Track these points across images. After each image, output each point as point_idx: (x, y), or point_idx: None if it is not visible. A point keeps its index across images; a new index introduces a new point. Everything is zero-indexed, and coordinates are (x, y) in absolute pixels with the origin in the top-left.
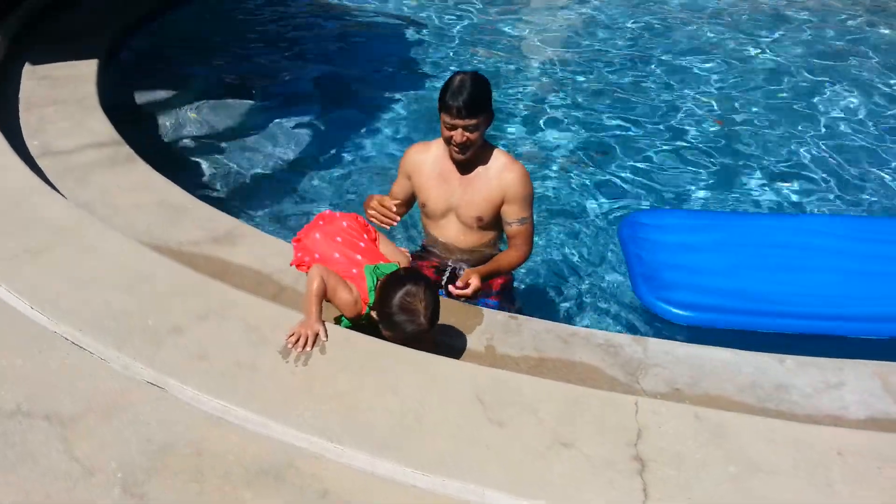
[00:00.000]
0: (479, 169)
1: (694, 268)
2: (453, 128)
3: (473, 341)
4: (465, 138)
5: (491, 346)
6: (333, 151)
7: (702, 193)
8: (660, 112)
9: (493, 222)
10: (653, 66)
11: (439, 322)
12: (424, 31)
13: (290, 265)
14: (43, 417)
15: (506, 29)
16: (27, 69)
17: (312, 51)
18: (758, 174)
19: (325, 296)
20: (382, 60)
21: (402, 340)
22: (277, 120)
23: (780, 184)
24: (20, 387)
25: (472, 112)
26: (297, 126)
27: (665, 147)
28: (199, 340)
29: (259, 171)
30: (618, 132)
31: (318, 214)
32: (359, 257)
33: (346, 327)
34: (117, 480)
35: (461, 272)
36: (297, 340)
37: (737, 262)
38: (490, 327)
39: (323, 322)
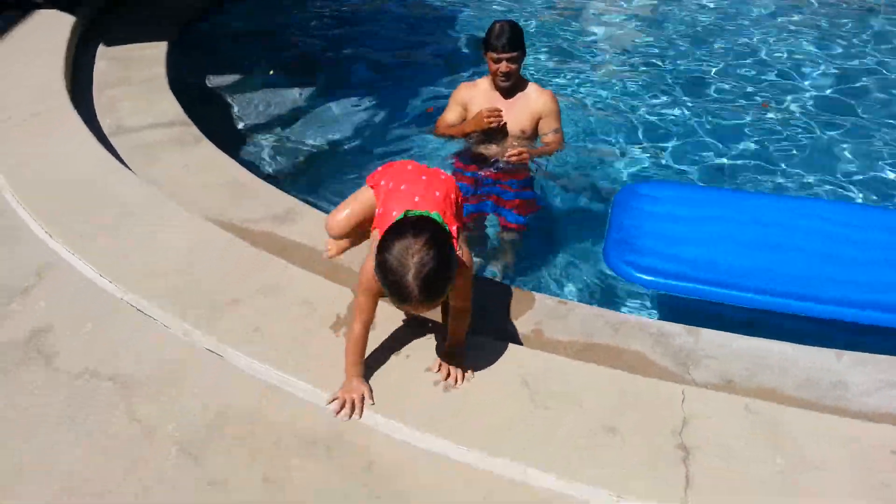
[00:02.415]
0: (519, 94)
1: (670, 237)
2: (499, 61)
3: (521, 325)
4: (508, 68)
5: (539, 331)
6: (392, 133)
7: (731, 173)
8: (709, 89)
9: (531, 135)
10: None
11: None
12: (487, 16)
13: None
14: (108, 379)
15: (570, 19)
16: (101, 50)
17: (375, 35)
18: (793, 160)
19: (365, 343)
20: (443, 44)
21: (398, 307)
22: (338, 102)
23: (810, 174)
24: (90, 349)
25: (514, 47)
26: (357, 108)
27: (706, 124)
28: (257, 312)
29: (318, 152)
30: (661, 108)
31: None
32: (417, 199)
33: None
34: (175, 442)
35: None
36: (342, 408)
37: (716, 234)
38: (538, 312)
39: (366, 382)
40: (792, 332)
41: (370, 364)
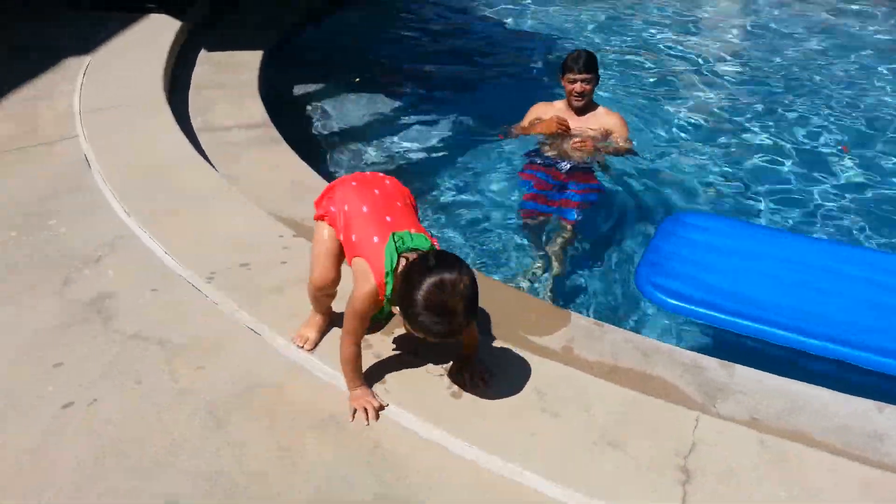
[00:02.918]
0: (590, 114)
1: (704, 265)
2: (574, 81)
3: (552, 341)
4: (582, 88)
5: (568, 348)
6: (466, 151)
7: (795, 213)
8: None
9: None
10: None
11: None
12: (577, 39)
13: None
14: (156, 343)
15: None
16: (202, 55)
17: (458, 53)
18: (865, 209)
19: (360, 360)
20: (522, 66)
21: (433, 340)
22: (415, 117)
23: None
24: (145, 315)
25: (588, 69)
26: (433, 124)
27: (781, 160)
28: (296, 300)
29: (386, 160)
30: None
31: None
32: (388, 219)
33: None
34: (206, 405)
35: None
36: (364, 414)
37: (751, 269)
38: (572, 331)
39: (369, 388)
40: (837, 382)
41: (385, 363)
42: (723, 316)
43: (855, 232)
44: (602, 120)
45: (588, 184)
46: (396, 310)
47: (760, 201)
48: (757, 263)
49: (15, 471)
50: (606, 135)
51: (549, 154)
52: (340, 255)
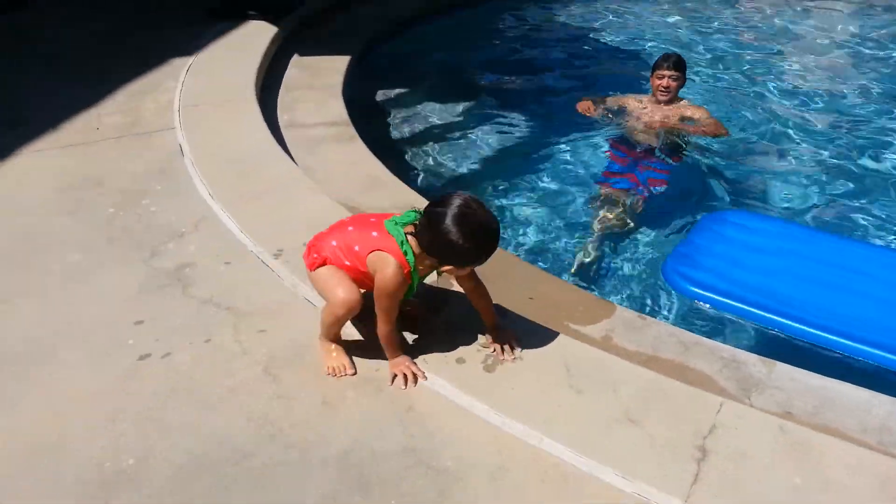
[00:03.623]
0: (673, 105)
1: (733, 260)
2: (662, 77)
3: (594, 330)
4: (669, 84)
5: (608, 337)
6: (533, 159)
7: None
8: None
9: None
10: None
11: None
12: (657, 48)
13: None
14: (226, 308)
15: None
16: (294, 59)
17: (541, 67)
18: None
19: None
20: (610, 74)
21: (486, 261)
22: (489, 126)
23: None
24: (218, 284)
25: (676, 68)
26: (505, 133)
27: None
28: None
29: (456, 163)
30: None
31: None
32: (372, 220)
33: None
34: (262, 362)
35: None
36: (405, 380)
37: (779, 266)
38: (615, 321)
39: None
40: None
41: (423, 339)
42: (741, 306)
43: None
44: (686, 110)
45: (662, 168)
46: (446, 268)
47: (823, 206)
48: (790, 262)
49: (92, 406)
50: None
51: (630, 137)
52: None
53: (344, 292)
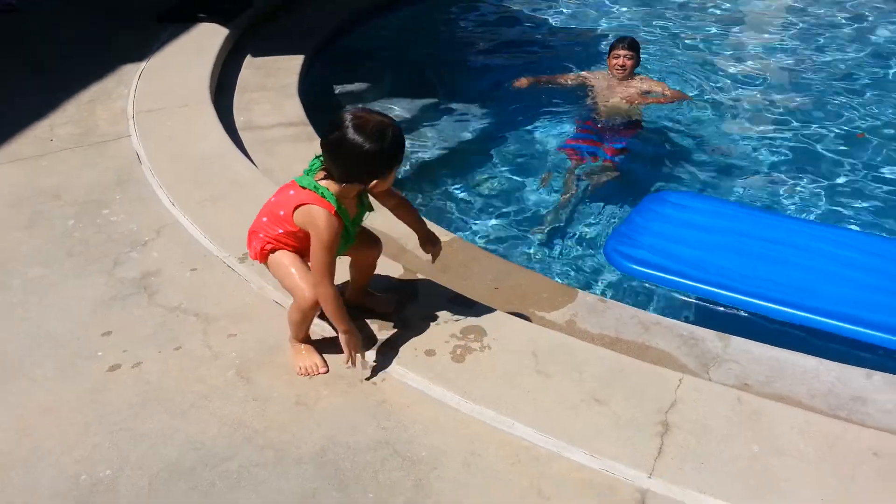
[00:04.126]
0: (630, 80)
1: (671, 237)
2: (618, 56)
3: (558, 316)
4: (624, 63)
5: (572, 322)
6: (493, 149)
7: (799, 196)
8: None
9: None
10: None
11: None
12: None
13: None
14: (194, 314)
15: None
16: (247, 60)
17: (497, 57)
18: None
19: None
20: (563, 68)
21: (392, 164)
22: (448, 118)
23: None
24: (184, 290)
25: (631, 48)
26: (464, 124)
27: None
28: None
29: (416, 156)
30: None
31: None
32: (288, 184)
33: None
34: (234, 366)
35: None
36: (353, 361)
37: (718, 243)
38: (577, 306)
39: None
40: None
41: (393, 333)
42: (678, 279)
43: (850, 214)
44: (645, 83)
45: (625, 138)
46: (373, 184)
47: (758, 182)
48: (725, 238)
49: (64, 419)
50: (644, 93)
51: (593, 111)
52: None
53: (307, 288)
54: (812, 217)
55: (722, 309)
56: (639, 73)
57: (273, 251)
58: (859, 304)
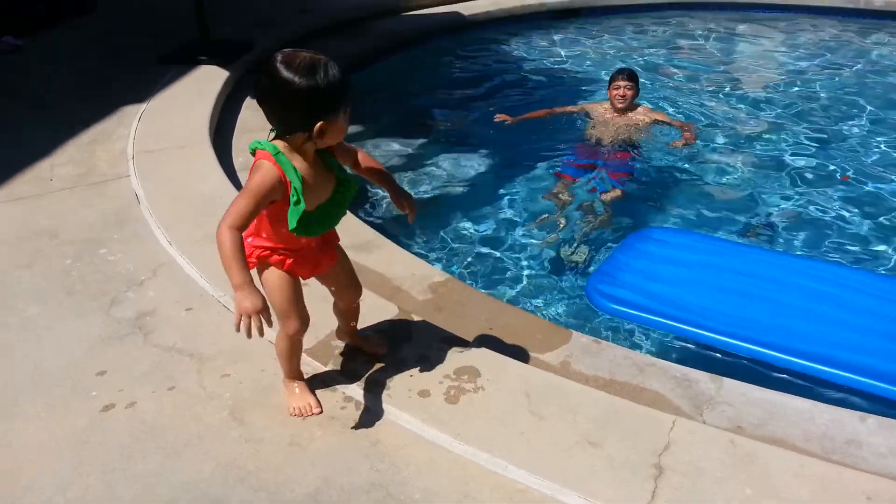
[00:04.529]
0: (630, 113)
1: (651, 275)
2: (618, 87)
3: (552, 357)
4: (625, 93)
5: (566, 363)
6: (489, 189)
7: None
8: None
9: (642, 133)
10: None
11: None
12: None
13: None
14: (188, 354)
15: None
16: (247, 101)
17: (494, 97)
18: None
19: (244, 250)
20: (561, 103)
21: (338, 101)
22: (443, 159)
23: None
24: (180, 330)
25: (630, 79)
26: (460, 164)
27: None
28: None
29: (419, 194)
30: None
31: None
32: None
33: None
34: (228, 406)
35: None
36: (249, 332)
37: (695, 279)
38: (572, 347)
39: (260, 293)
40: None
41: (386, 375)
42: (656, 319)
43: (831, 249)
44: (648, 115)
45: (624, 164)
46: (321, 134)
47: (745, 217)
48: (708, 275)
49: (57, 458)
50: (645, 123)
51: (592, 138)
52: (298, 286)
53: (295, 316)
54: (798, 253)
55: (717, 353)
56: (639, 104)
57: (262, 259)
58: (849, 347)
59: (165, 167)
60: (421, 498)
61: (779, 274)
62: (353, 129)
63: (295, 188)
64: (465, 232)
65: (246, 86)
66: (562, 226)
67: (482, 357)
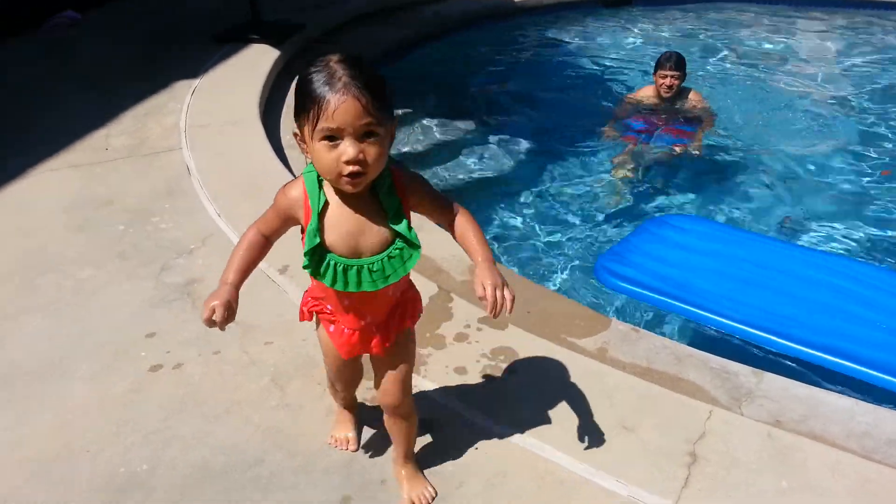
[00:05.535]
0: (679, 101)
1: (661, 257)
2: (665, 76)
3: (589, 343)
4: (672, 83)
5: (604, 349)
6: (531, 175)
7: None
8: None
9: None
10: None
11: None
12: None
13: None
14: (234, 322)
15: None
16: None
17: (526, 90)
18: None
19: (252, 255)
20: (593, 100)
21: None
22: (487, 144)
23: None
24: None
25: (678, 68)
26: (503, 149)
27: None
28: None
29: (456, 180)
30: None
31: None
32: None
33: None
34: (269, 374)
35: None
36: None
37: (708, 266)
38: (610, 334)
39: (235, 292)
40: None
41: (432, 350)
42: (660, 298)
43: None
44: (694, 102)
45: (678, 138)
46: (301, 143)
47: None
48: (718, 262)
49: (103, 416)
50: (691, 115)
51: (649, 110)
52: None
53: (335, 389)
54: (826, 249)
55: (758, 350)
56: (689, 88)
57: (312, 311)
58: (863, 342)
59: (216, 142)
60: (454, 471)
61: (797, 267)
62: (400, 111)
63: (314, 213)
64: (506, 216)
65: (297, 65)
66: (615, 202)
67: (519, 339)
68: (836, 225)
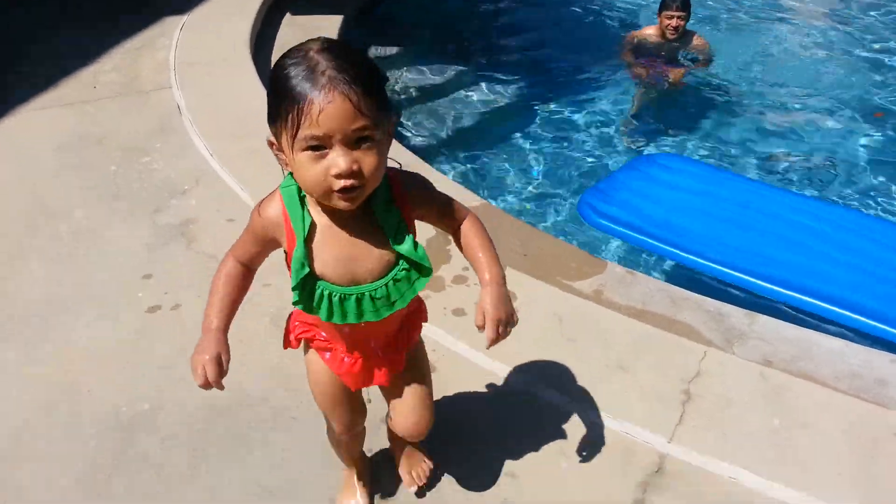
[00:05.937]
0: (681, 42)
1: (646, 195)
2: (671, 17)
3: (586, 286)
4: (678, 24)
5: (599, 291)
6: (527, 118)
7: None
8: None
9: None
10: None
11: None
12: (642, 13)
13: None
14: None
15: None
16: (287, 18)
17: (523, 28)
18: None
19: (235, 289)
20: (591, 41)
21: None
22: (483, 85)
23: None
24: (221, 239)
25: (684, 7)
26: (499, 92)
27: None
28: None
29: (450, 123)
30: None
31: None
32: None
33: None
34: (269, 314)
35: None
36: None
37: (692, 205)
38: (606, 277)
39: (222, 338)
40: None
41: (430, 292)
42: (642, 238)
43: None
44: (697, 44)
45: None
46: (274, 146)
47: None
48: (703, 202)
49: (105, 356)
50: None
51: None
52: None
53: (335, 423)
54: (816, 194)
55: (752, 295)
56: (692, 32)
57: (301, 339)
58: (840, 284)
59: (206, 80)
60: (454, 399)
61: (782, 211)
62: (393, 51)
63: (299, 238)
64: (501, 156)
65: (287, 2)
66: (614, 141)
67: (516, 281)
68: (831, 171)
